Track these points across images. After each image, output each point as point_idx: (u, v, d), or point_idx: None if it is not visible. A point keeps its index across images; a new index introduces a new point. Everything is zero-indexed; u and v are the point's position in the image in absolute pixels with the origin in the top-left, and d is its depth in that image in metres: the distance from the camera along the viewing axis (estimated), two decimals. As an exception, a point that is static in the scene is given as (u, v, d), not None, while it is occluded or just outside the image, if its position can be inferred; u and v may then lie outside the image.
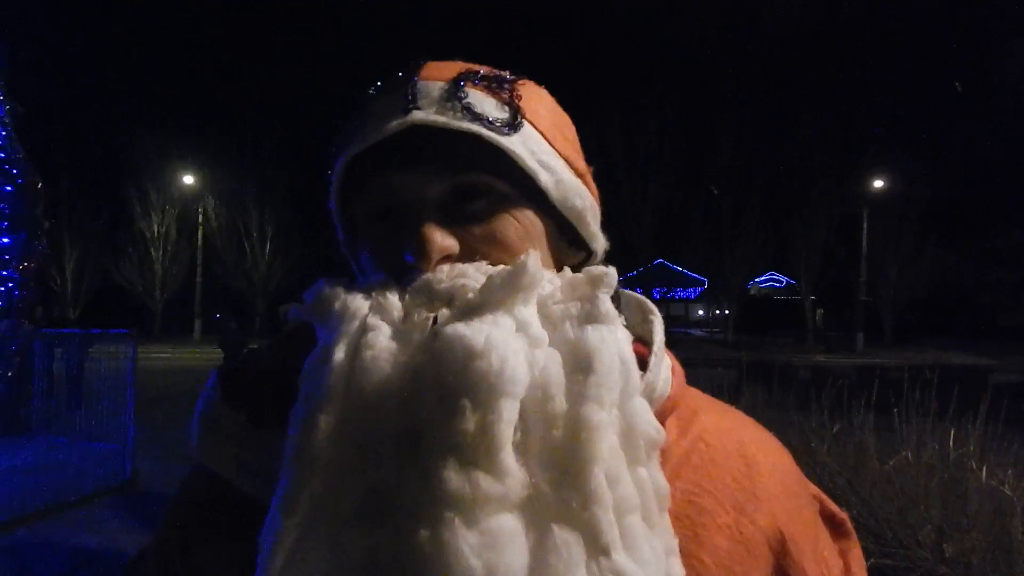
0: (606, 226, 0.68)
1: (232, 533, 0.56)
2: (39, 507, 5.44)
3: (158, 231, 33.34)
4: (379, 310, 0.52)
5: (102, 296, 33.17)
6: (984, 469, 3.63)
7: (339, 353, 0.49)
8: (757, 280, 46.98)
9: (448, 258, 0.55)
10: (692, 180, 32.21)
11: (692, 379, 0.67)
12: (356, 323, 0.51)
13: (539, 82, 0.66)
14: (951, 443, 3.99)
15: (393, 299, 0.53)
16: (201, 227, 33.02)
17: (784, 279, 47.19)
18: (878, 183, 32.21)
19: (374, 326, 0.50)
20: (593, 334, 0.50)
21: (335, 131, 0.63)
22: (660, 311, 0.64)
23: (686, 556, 0.52)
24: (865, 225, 31.84)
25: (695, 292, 46.05)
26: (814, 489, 0.65)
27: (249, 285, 33.63)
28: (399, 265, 0.56)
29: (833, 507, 0.65)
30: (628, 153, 31.62)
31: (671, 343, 0.61)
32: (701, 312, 50.08)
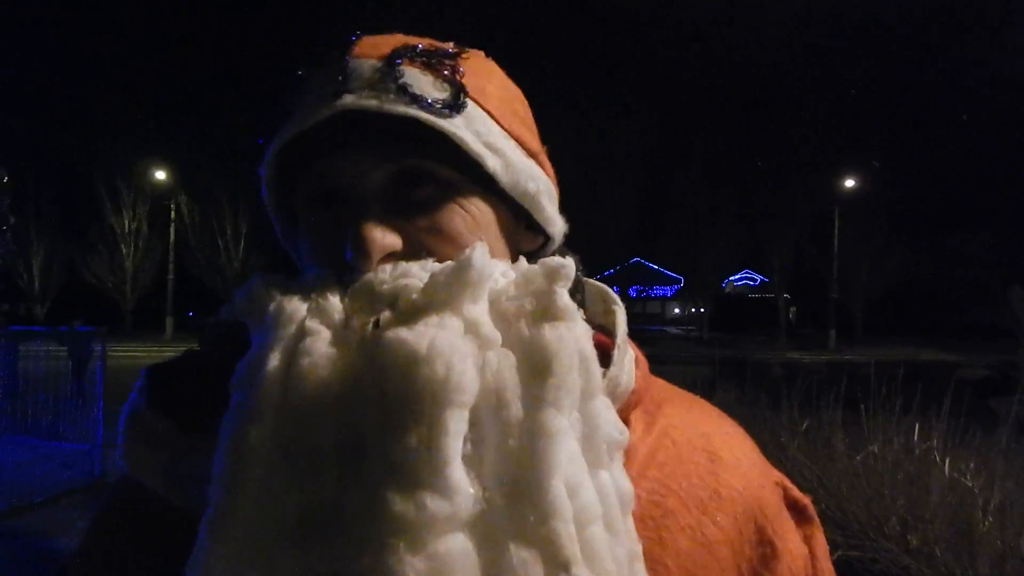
0: (573, 215, 0.62)
1: (159, 548, 0.52)
2: (4, 508, 5.33)
3: (129, 227, 32.71)
4: (318, 313, 0.48)
5: (70, 293, 32.42)
6: (947, 462, 3.73)
7: (274, 360, 0.45)
8: (732, 278, 47.59)
9: (392, 255, 0.51)
10: (668, 179, 32.58)
11: (668, 376, 0.67)
12: (293, 327, 0.47)
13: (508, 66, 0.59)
14: (915, 437, 4.10)
15: (334, 301, 0.48)
16: (173, 223, 32.44)
17: (758, 277, 47.87)
18: (849, 183, 32.85)
19: (313, 331, 0.46)
20: (550, 332, 0.46)
21: (266, 114, 0.58)
22: (637, 309, 0.60)
23: (650, 561, 0.49)
24: (836, 224, 32.47)
25: (671, 290, 46.37)
26: (777, 476, 0.64)
27: (223, 282, 33.10)
28: (339, 261, 0.51)
29: (796, 493, 0.64)
30: (605, 153, 31.86)
31: (646, 341, 0.59)
32: (677, 310, 50.53)
